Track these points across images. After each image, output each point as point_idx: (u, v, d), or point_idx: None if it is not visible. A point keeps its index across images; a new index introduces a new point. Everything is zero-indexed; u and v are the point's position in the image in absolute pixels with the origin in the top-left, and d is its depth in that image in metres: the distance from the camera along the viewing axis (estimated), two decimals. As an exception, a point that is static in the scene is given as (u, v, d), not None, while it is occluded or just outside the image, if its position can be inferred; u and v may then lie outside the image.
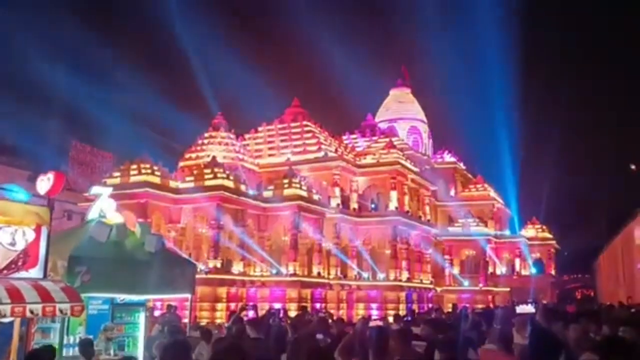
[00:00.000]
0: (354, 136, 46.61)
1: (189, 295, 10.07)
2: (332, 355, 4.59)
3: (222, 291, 26.90)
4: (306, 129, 38.62)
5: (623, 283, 33.38)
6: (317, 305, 28.60)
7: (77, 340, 8.27)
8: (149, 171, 27.56)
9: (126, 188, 25.94)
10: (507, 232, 51.44)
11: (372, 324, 9.75)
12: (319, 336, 7.46)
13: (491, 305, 35.42)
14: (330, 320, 11.33)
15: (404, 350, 4.73)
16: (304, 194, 30.53)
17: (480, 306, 32.65)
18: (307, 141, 37.35)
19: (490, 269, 45.95)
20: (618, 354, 3.70)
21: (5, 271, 6.71)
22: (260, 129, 40.53)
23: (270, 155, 37.76)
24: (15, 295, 6.15)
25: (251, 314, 15.33)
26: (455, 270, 44.90)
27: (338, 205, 34.78)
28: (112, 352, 8.73)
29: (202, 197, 27.95)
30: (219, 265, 27.40)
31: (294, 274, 29.26)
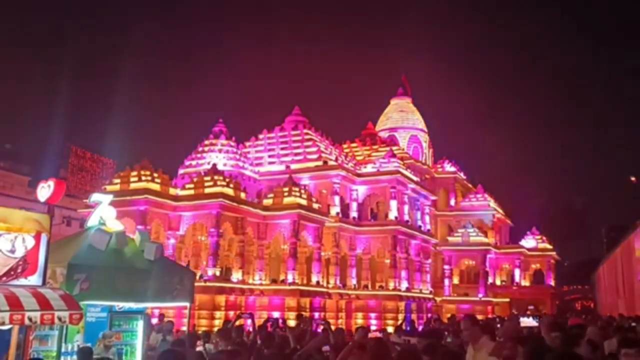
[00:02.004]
0: (354, 145, 46.65)
1: (187, 304, 10.03)
2: None
3: (221, 299, 26.81)
4: (306, 137, 38.65)
5: (623, 295, 33.28)
6: (316, 315, 28.47)
7: (75, 348, 8.24)
8: (149, 178, 27.52)
9: (126, 195, 25.92)
10: (507, 243, 51.42)
11: (370, 335, 9.71)
12: (325, 348, 7.45)
13: (490, 316, 35.32)
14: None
15: None
16: (304, 202, 30.50)
17: (480, 317, 32.55)
18: (307, 149, 37.37)
19: (490, 280, 45.87)
20: None
21: (4, 278, 6.68)
22: (260, 136, 40.56)
23: (270, 163, 37.76)
24: (14, 303, 6.12)
25: (249, 322, 15.23)
26: (455, 281, 44.81)
27: (338, 214, 34.74)
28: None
29: (202, 205, 27.92)
30: (218, 273, 27.32)
31: (293, 283, 29.18)
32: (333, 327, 11.23)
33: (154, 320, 15.25)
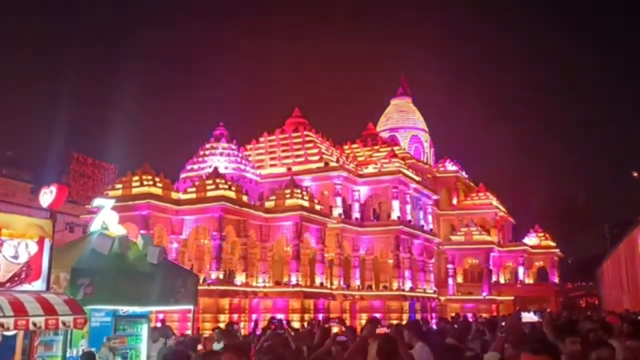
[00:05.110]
0: (355, 145, 46.64)
1: (191, 307, 10.05)
2: None
3: (225, 302, 26.80)
4: (307, 139, 38.67)
5: (627, 290, 33.20)
6: (320, 316, 28.46)
7: (80, 353, 8.26)
8: (150, 182, 27.53)
9: (128, 200, 25.95)
10: (510, 241, 51.36)
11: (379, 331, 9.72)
12: (342, 338, 7.50)
13: (494, 314, 35.27)
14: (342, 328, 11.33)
15: None
16: (306, 204, 30.50)
17: (484, 315, 32.54)
18: (308, 151, 37.38)
19: (494, 278, 45.80)
20: None
21: (8, 284, 6.70)
22: (261, 139, 40.59)
23: (271, 165, 37.78)
24: (19, 308, 6.14)
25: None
26: (459, 280, 44.76)
27: (340, 215, 34.73)
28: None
29: (204, 208, 27.93)
30: (221, 276, 27.33)
31: (297, 285, 29.17)
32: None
33: (157, 325, 15.25)
